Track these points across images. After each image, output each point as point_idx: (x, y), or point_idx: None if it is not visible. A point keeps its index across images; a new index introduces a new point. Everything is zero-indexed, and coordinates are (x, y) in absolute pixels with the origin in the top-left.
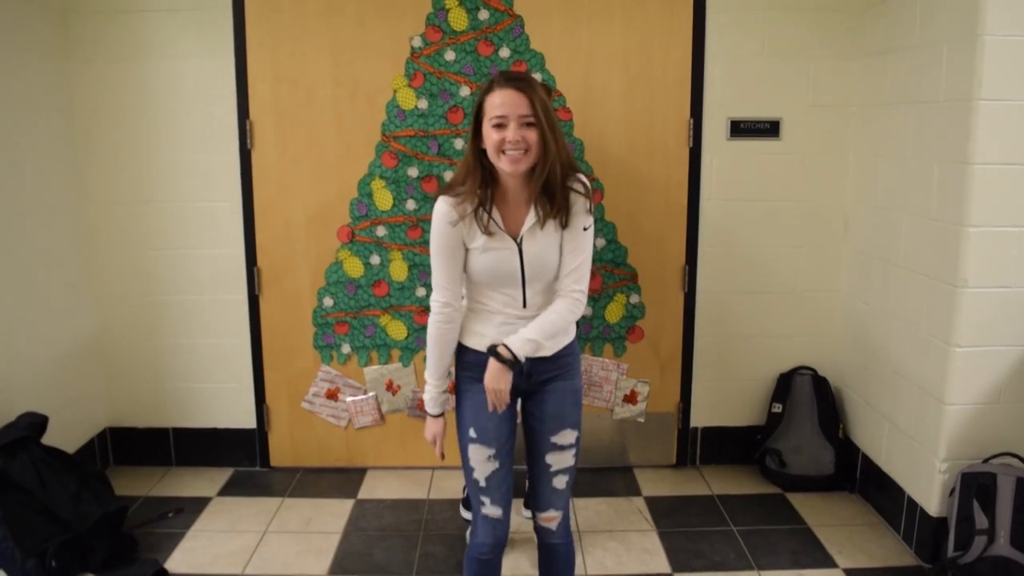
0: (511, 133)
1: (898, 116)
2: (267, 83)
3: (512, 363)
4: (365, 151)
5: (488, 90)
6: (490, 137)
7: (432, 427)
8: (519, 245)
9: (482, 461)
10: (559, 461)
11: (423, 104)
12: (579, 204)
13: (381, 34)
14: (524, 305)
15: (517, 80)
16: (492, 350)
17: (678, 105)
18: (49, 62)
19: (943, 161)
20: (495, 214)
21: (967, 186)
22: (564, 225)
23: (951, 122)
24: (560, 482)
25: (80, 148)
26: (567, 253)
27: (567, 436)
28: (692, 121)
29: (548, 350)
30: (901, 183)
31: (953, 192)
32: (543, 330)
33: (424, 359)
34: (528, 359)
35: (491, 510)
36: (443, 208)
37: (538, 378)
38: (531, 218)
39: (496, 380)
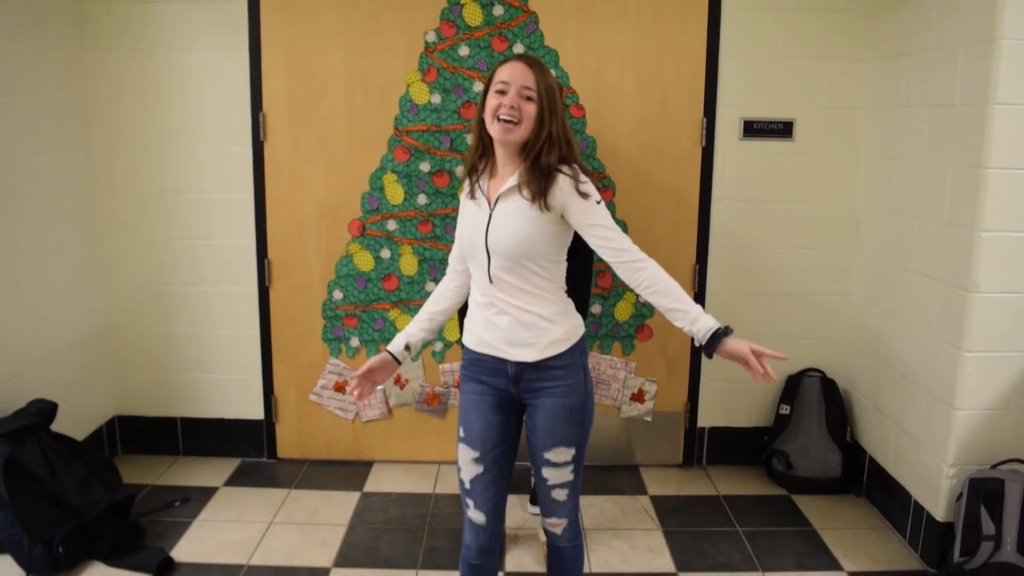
0: (508, 99)
1: (912, 119)
2: (281, 76)
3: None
4: (377, 145)
5: (502, 63)
6: (490, 102)
7: (370, 360)
8: (491, 209)
9: (468, 462)
10: (555, 476)
11: (436, 99)
12: (564, 183)
13: (395, 28)
14: (490, 280)
15: (529, 58)
16: (726, 330)
17: (691, 104)
18: (64, 52)
19: (957, 165)
20: (484, 180)
21: (981, 190)
22: (546, 207)
23: (966, 126)
24: (560, 495)
25: (93, 138)
26: (594, 231)
27: (561, 454)
28: (705, 120)
29: (533, 354)
30: (914, 186)
31: (967, 196)
32: (677, 294)
33: (433, 354)
34: (513, 364)
35: (474, 514)
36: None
37: (526, 386)
38: (511, 180)
39: (744, 345)
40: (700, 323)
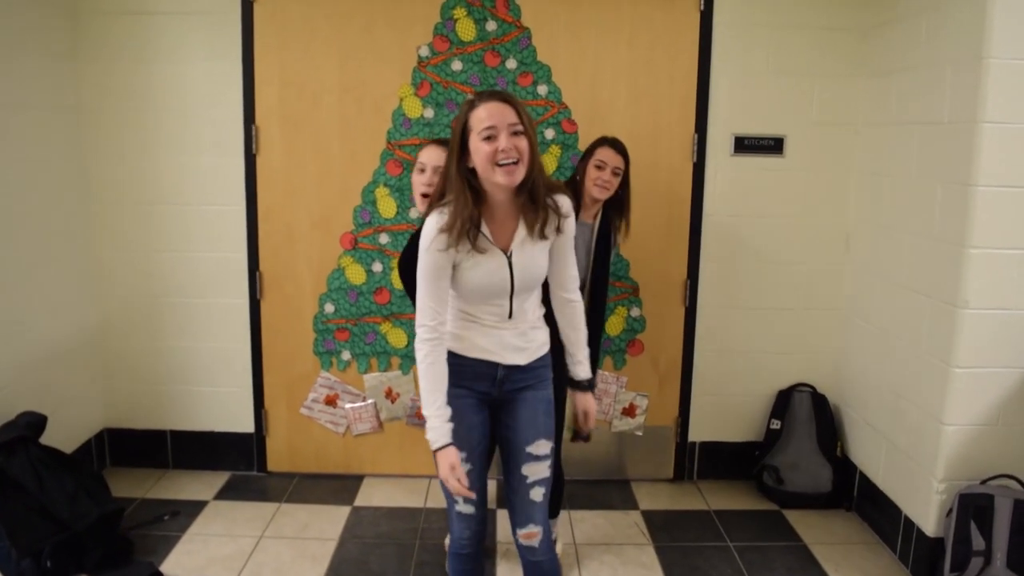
0: (503, 142)
1: (902, 136)
2: (274, 88)
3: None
4: (370, 158)
5: (471, 107)
6: (481, 151)
7: (447, 459)
8: (509, 259)
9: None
10: (535, 472)
11: (429, 113)
12: (567, 208)
13: (389, 42)
14: (510, 316)
15: (499, 93)
16: (590, 383)
17: (683, 120)
18: (58, 62)
19: (946, 182)
20: (484, 229)
21: (970, 207)
22: (559, 230)
23: (955, 143)
24: (537, 494)
25: (85, 148)
26: (565, 259)
27: (542, 446)
28: (696, 136)
29: (526, 357)
30: (904, 203)
31: (956, 213)
32: (582, 340)
33: None
34: (504, 368)
35: (464, 507)
36: (432, 233)
37: (511, 387)
38: (521, 231)
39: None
40: (579, 368)
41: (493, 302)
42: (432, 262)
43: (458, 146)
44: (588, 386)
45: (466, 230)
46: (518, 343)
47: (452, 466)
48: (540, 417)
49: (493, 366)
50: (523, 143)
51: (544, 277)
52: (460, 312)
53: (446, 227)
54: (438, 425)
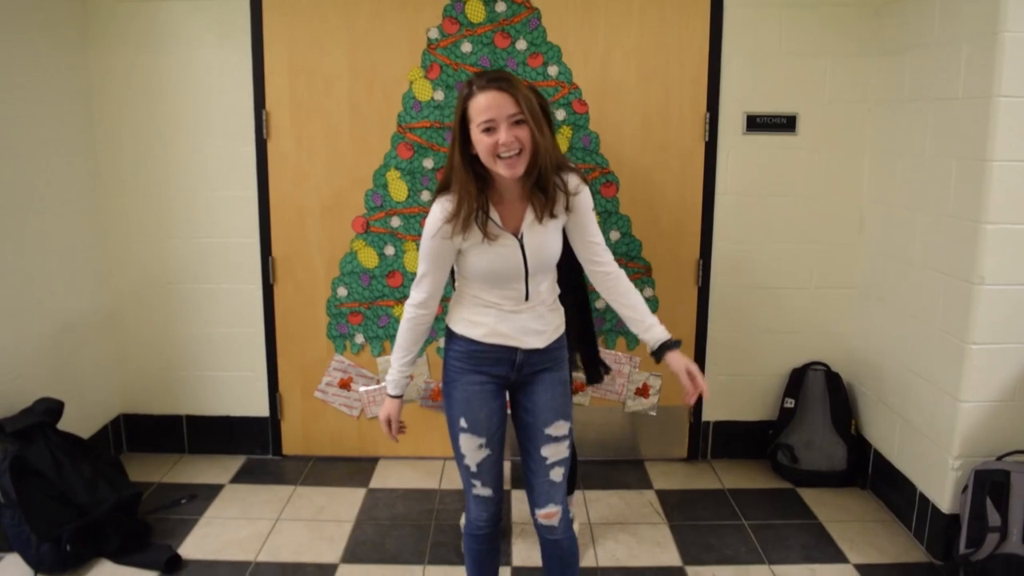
0: (503, 135)
1: (916, 113)
2: (284, 73)
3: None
4: (381, 142)
5: (469, 95)
6: (481, 143)
7: (388, 407)
8: (520, 241)
9: (473, 449)
10: (555, 453)
11: (439, 95)
12: (576, 185)
13: (398, 25)
14: (527, 298)
15: (497, 80)
16: (676, 342)
17: (694, 99)
18: (68, 49)
19: (961, 158)
20: (493, 214)
21: (985, 183)
22: (567, 208)
23: (970, 119)
24: (557, 474)
25: (97, 135)
26: (584, 232)
27: (561, 427)
28: (708, 115)
29: (544, 340)
30: (918, 180)
31: (971, 189)
32: (641, 307)
33: (437, 350)
34: (524, 352)
35: (482, 491)
36: (438, 223)
37: (529, 370)
38: (529, 214)
39: (683, 363)
40: (653, 332)
41: (509, 286)
42: (435, 249)
43: (459, 134)
44: (675, 344)
45: (473, 219)
46: (536, 326)
47: (389, 418)
48: (558, 399)
49: (512, 351)
50: (524, 132)
51: (558, 256)
52: (476, 299)
53: (451, 216)
54: (398, 378)
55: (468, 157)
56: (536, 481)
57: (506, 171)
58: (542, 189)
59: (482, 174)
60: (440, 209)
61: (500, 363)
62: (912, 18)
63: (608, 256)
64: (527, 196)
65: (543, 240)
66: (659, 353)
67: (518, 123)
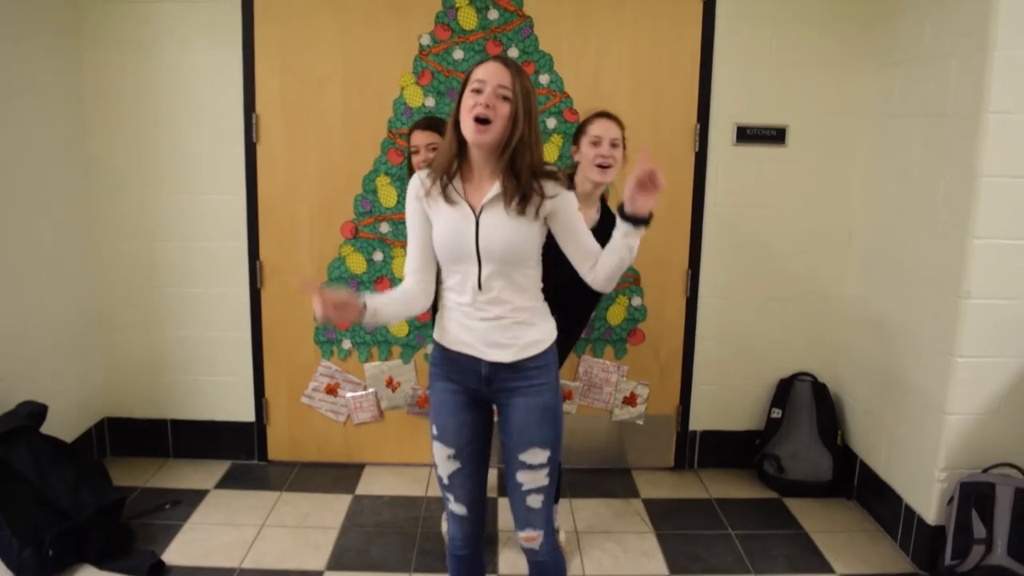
0: (484, 97)
1: (905, 127)
2: (275, 77)
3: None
4: (371, 147)
5: (477, 64)
6: (466, 101)
7: (341, 297)
8: (477, 216)
9: (443, 459)
10: (531, 480)
11: (430, 102)
12: (554, 190)
13: (390, 31)
14: (479, 287)
15: (507, 59)
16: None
17: (685, 110)
18: (59, 48)
19: (950, 172)
20: (457, 183)
21: (974, 198)
22: (538, 213)
23: (959, 134)
24: (534, 501)
25: (86, 136)
26: (574, 239)
27: (536, 455)
28: (699, 126)
29: (510, 355)
30: (907, 193)
31: (959, 203)
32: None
33: (424, 356)
34: (488, 364)
35: (455, 507)
36: (413, 181)
37: (498, 385)
38: (494, 190)
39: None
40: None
41: (461, 267)
42: (411, 212)
43: (458, 99)
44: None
45: (442, 173)
46: (498, 338)
47: (336, 302)
48: (533, 426)
49: (476, 361)
50: (504, 107)
51: (520, 259)
52: (445, 294)
53: (425, 165)
54: (369, 299)
55: (457, 123)
56: (515, 503)
57: (472, 134)
58: (515, 176)
59: (463, 143)
60: (417, 173)
61: (468, 373)
62: (903, 33)
63: (597, 249)
64: (496, 180)
65: (503, 227)
66: (632, 220)
67: (504, 98)
